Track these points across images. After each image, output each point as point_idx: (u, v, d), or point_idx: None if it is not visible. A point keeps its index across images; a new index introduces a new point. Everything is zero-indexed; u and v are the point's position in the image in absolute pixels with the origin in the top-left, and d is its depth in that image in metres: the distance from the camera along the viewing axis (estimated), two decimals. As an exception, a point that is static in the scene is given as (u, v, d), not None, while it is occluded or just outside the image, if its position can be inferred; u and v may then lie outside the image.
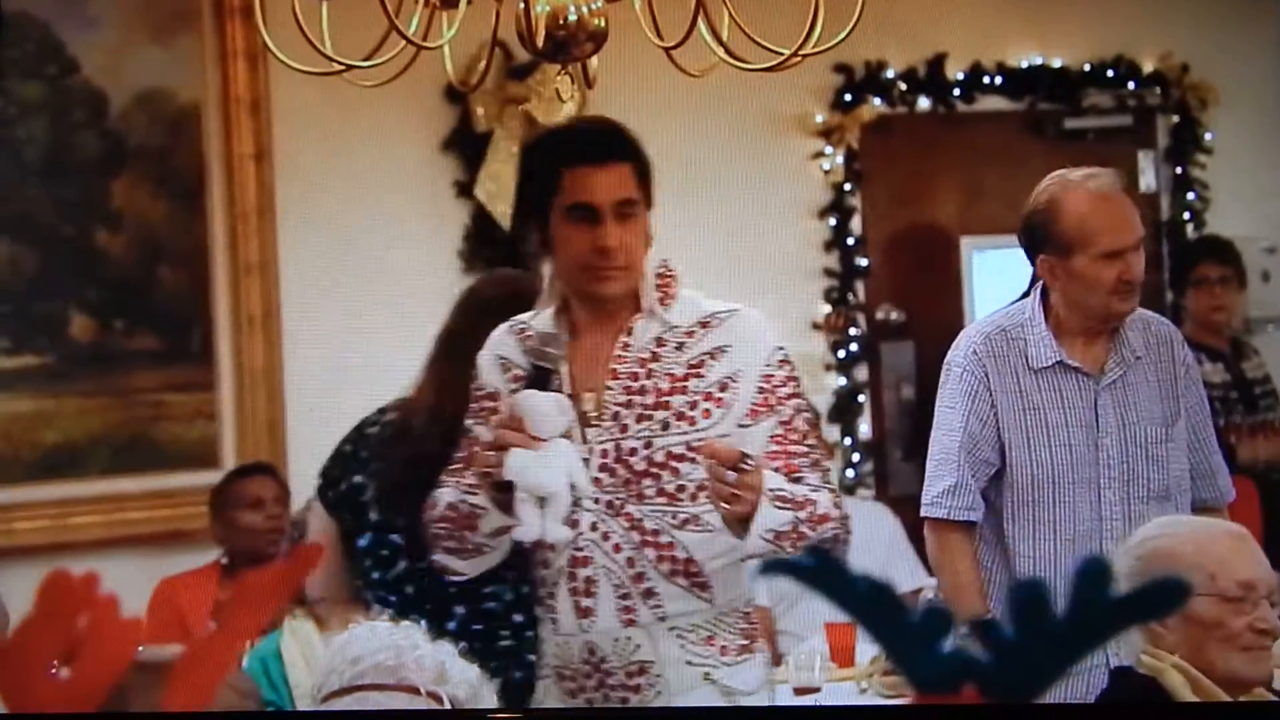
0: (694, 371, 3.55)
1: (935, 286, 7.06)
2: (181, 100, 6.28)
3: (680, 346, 3.58)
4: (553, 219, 3.62)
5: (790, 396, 3.55)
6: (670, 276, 3.69)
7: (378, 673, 3.03)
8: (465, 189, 6.51)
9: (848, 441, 6.71)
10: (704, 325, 3.60)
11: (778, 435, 3.51)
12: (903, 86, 6.90)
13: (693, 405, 3.52)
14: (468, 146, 6.50)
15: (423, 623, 3.07)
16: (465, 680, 3.06)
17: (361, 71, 3.91)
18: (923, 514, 4.20)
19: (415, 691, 3.00)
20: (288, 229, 6.33)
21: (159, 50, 6.24)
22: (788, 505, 3.37)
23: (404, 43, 3.75)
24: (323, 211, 6.31)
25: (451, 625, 4.05)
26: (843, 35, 3.91)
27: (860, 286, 6.87)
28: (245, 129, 6.28)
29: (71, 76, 6.17)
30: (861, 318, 6.88)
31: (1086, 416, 4.07)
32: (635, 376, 3.56)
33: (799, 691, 4.60)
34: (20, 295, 6.09)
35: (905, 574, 5.23)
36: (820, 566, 1.45)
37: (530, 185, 3.95)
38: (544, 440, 3.40)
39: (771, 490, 3.34)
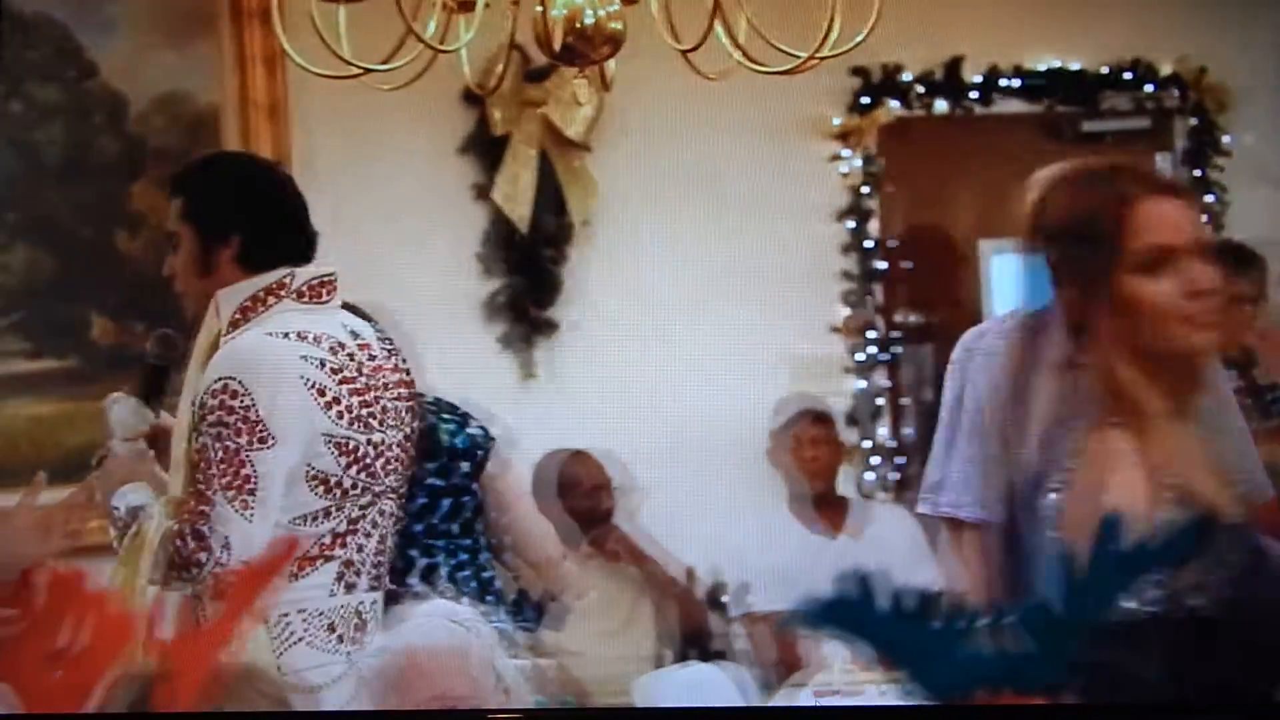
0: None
1: (954, 289, 7.06)
2: (200, 104, 6.29)
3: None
4: None
5: (212, 426, 3.61)
6: (260, 299, 3.76)
7: (451, 611, 3.12)
8: (483, 192, 6.53)
9: (867, 444, 6.72)
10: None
11: (191, 463, 3.63)
12: (920, 89, 6.89)
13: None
14: (485, 150, 6.51)
15: None
16: (511, 666, 3.13)
17: (379, 75, 3.92)
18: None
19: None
20: (306, 232, 6.35)
21: (177, 54, 6.26)
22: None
23: (421, 46, 3.77)
24: (341, 215, 6.31)
25: None
26: (860, 38, 3.92)
27: (878, 289, 6.87)
28: (263, 133, 6.30)
29: (90, 79, 6.20)
30: (880, 321, 6.88)
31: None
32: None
33: (819, 694, 4.61)
34: (41, 299, 6.10)
35: (926, 576, 5.21)
36: (840, 604, 1.45)
37: None
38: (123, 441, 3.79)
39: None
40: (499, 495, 4.40)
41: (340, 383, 3.66)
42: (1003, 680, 1.46)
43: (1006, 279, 6.81)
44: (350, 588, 3.68)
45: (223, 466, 3.55)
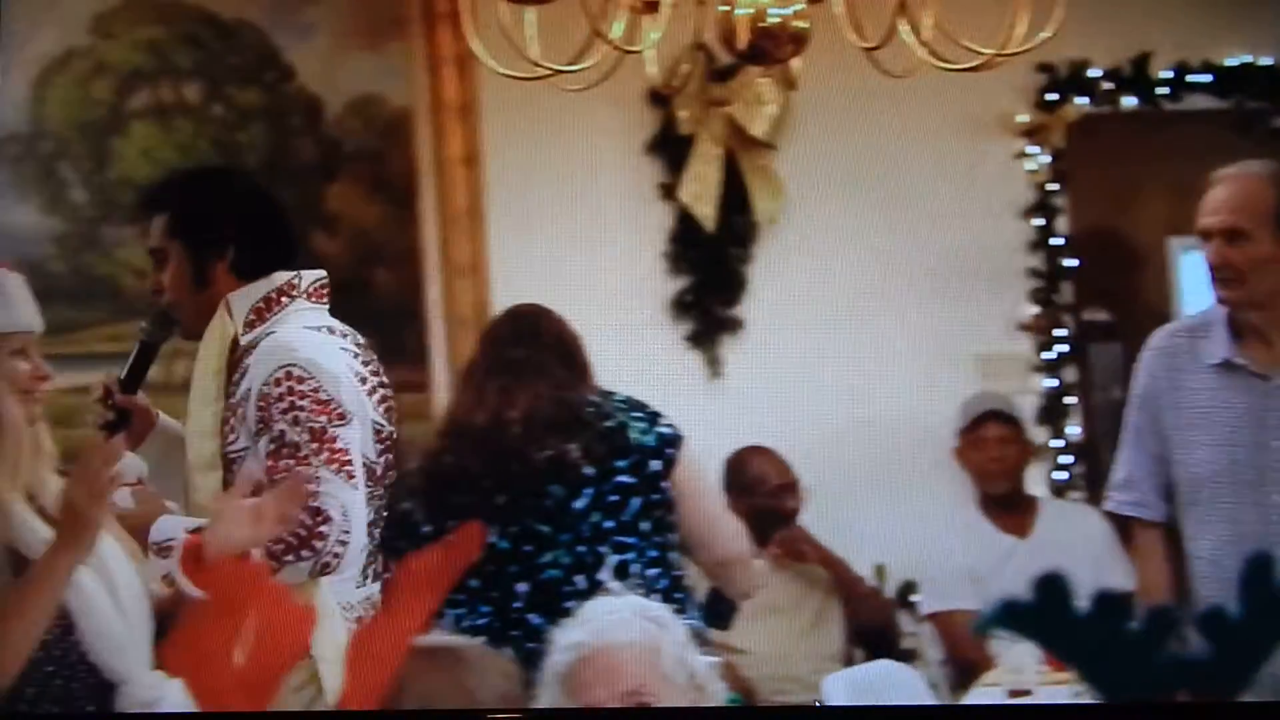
0: (235, 388, 3.71)
1: (1143, 287, 6.99)
2: (393, 105, 6.39)
3: (238, 364, 3.73)
4: None
5: (286, 412, 3.58)
6: (273, 300, 3.78)
7: (644, 608, 3.17)
8: (669, 191, 6.56)
9: (1058, 443, 6.68)
10: (253, 347, 3.71)
11: (270, 451, 3.57)
12: (1108, 85, 6.82)
13: (225, 421, 3.70)
14: (671, 149, 6.54)
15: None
16: (703, 662, 3.17)
17: (567, 76, 3.98)
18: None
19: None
20: (497, 232, 6.43)
21: (371, 56, 6.36)
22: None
23: (608, 47, 3.82)
24: (530, 214, 6.40)
25: (518, 604, 4.15)
26: (1046, 34, 3.92)
27: (1067, 287, 6.82)
28: (455, 133, 6.38)
29: (288, 83, 6.32)
30: (1069, 319, 6.83)
31: (1254, 417, 3.97)
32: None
33: (1013, 694, 4.59)
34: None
35: (1117, 576, 5.16)
36: (1030, 605, 1.48)
37: None
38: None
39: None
40: (686, 492, 4.42)
41: (371, 374, 3.72)
42: (1188, 684, 1.46)
43: (1197, 276, 6.74)
44: (367, 578, 3.71)
45: (315, 446, 3.56)
